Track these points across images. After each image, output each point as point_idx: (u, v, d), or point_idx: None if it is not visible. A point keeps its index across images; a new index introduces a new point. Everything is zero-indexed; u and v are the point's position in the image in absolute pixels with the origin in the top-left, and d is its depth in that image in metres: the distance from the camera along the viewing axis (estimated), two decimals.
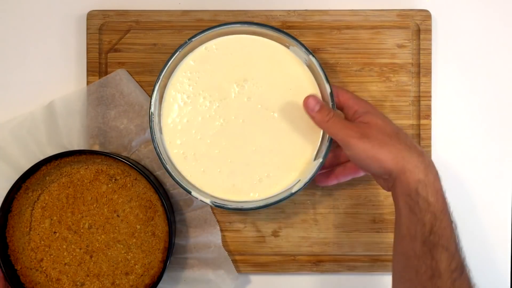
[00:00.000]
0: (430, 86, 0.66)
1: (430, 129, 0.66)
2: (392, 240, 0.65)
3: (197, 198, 0.57)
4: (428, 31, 0.66)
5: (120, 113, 0.65)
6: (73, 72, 0.67)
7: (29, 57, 0.67)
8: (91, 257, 0.62)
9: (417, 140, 0.66)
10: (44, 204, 0.62)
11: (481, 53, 0.68)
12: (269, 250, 0.66)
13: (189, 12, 0.66)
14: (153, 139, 0.57)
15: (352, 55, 0.66)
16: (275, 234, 0.66)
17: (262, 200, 0.58)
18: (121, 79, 0.65)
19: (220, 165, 0.58)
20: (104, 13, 0.66)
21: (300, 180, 0.57)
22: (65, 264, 0.62)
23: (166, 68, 0.57)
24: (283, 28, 0.66)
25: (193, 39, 0.57)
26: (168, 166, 0.57)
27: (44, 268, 0.62)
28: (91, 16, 0.66)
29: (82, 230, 0.62)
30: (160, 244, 0.62)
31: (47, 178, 0.62)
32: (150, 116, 0.57)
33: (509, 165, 0.67)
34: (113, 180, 0.62)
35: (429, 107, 0.66)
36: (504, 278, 0.67)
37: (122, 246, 0.62)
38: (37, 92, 0.67)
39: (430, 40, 0.66)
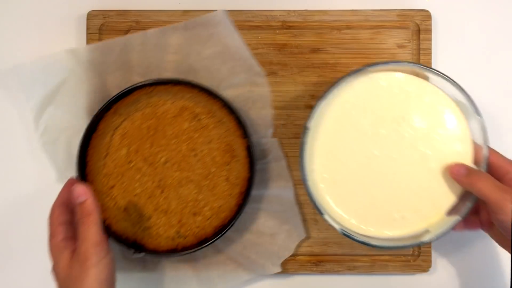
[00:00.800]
0: None
1: None
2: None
3: (327, 221, 0.56)
4: (428, 31, 0.66)
5: (215, 54, 0.64)
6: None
7: (29, 57, 0.67)
8: (162, 192, 0.62)
9: None
10: (125, 132, 0.62)
11: (481, 53, 0.68)
12: None
13: (189, 12, 0.66)
14: (301, 152, 0.56)
15: (352, 55, 0.66)
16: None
17: (389, 240, 0.57)
18: (220, 20, 0.64)
19: (361, 194, 0.57)
20: (104, 13, 0.66)
21: (429, 230, 0.56)
22: (135, 195, 0.62)
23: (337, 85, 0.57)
24: (283, 27, 0.66)
25: (374, 67, 0.57)
26: (308, 183, 0.56)
27: (114, 195, 0.61)
28: (91, 16, 0.66)
29: (157, 164, 0.62)
30: (232, 190, 0.62)
31: (134, 105, 0.62)
32: (305, 130, 0.56)
33: None
34: (197, 119, 0.62)
35: None
36: (504, 278, 0.67)
37: (194, 186, 0.62)
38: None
39: (430, 40, 0.66)
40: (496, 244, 0.66)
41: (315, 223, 0.66)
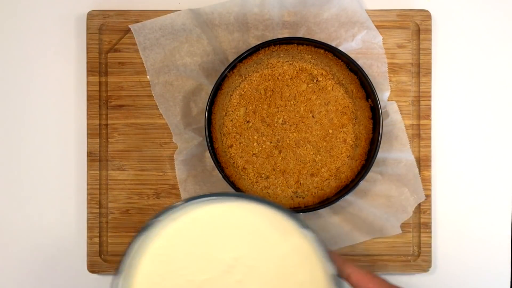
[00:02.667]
0: (430, 86, 0.66)
1: (430, 129, 0.66)
2: (392, 240, 0.66)
3: None
4: (428, 31, 0.66)
5: (332, 16, 0.64)
6: (73, 72, 0.67)
7: (29, 57, 0.67)
8: (280, 152, 0.62)
9: (417, 140, 0.66)
10: (243, 92, 0.62)
11: (481, 53, 0.68)
12: None
13: None
14: None
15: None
16: None
17: None
18: None
19: None
20: (104, 13, 0.66)
21: None
22: (253, 154, 0.62)
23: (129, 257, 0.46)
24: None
25: (160, 217, 0.47)
26: None
27: (232, 154, 0.62)
28: (91, 16, 0.66)
29: (275, 124, 0.62)
30: (351, 151, 0.62)
31: (254, 66, 0.62)
32: None
33: (509, 165, 0.67)
34: (314, 81, 0.62)
35: (429, 107, 0.66)
36: (504, 278, 0.67)
37: (311, 147, 0.62)
38: (37, 92, 0.67)
39: (430, 40, 0.66)
40: (496, 245, 0.66)
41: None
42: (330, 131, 0.62)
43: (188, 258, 0.48)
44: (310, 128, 0.62)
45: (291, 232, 0.47)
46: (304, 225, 0.46)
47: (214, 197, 0.48)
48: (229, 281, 0.47)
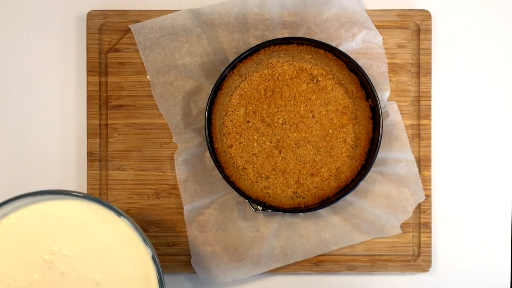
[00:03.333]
0: (430, 86, 0.66)
1: (430, 129, 0.66)
2: (392, 240, 0.66)
3: None
4: (428, 31, 0.66)
5: (332, 16, 0.64)
6: (73, 72, 0.67)
7: (29, 57, 0.67)
8: (280, 152, 0.62)
9: (417, 140, 0.66)
10: (243, 92, 0.62)
11: (481, 53, 0.68)
12: None
13: None
14: None
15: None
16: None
17: None
18: None
19: None
20: (104, 13, 0.66)
21: None
22: (253, 154, 0.62)
23: None
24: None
25: None
26: None
27: (232, 154, 0.62)
28: (91, 16, 0.66)
29: (275, 124, 0.62)
30: (351, 151, 0.62)
31: (254, 66, 0.62)
32: None
33: (509, 165, 0.67)
34: (314, 81, 0.62)
35: (429, 107, 0.66)
36: (504, 278, 0.67)
37: (311, 147, 0.62)
38: (37, 92, 0.67)
39: (430, 40, 0.66)
40: (496, 244, 0.66)
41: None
42: (330, 131, 0.62)
43: (12, 265, 0.49)
44: (310, 128, 0.62)
45: (112, 221, 0.50)
46: (122, 214, 0.50)
47: (26, 198, 0.48)
48: (54, 276, 0.49)
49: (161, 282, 0.49)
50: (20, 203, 0.49)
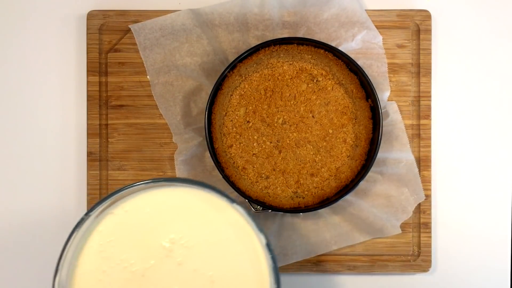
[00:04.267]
0: (430, 86, 0.66)
1: (430, 129, 0.66)
2: (392, 240, 0.66)
3: None
4: (428, 31, 0.66)
5: (332, 16, 0.64)
6: (73, 72, 0.67)
7: (29, 57, 0.67)
8: (280, 152, 0.62)
9: (417, 140, 0.66)
10: (243, 92, 0.62)
11: (481, 53, 0.68)
12: None
13: None
14: None
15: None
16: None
17: None
18: None
19: None
20: (104, 13, 0.66)
21: None
22: (253, 154, 0.62)
23: (64, 256, 0.48)
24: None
25: (91, 213, 0.48)
26: None
27: (232, 154, 0.62)
28: (91, 16, 0.66)
29: (275, 125, 0.62)
30: (351, 151, 0.62)
31: (254, 66, 0.62)
32: None
33: (509, 165, 0.67)
34: (314, 81, 0.62)
35: (429, 107, 0.66)
36: (504, 278, 0.67)
37: (311, 147, 0.62)
38: (37, 92, 0.67)
39: (430, 40, 0.66)
40: (496, 244, 0.66)
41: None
42: (330, 131, 0.62)
43: (129, 250, 0.49)
44: (310, 128, 0.62)
45: (224, 208, 0.49)
46: (234, 200, 0.49)
47: (143, 184, 0.49)
48: (170, 265, 0.49)
49: (275, 270, 0.47)
50: (132, 191, 0.49)
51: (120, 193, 0.48)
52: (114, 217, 0.50)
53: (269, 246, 0.48)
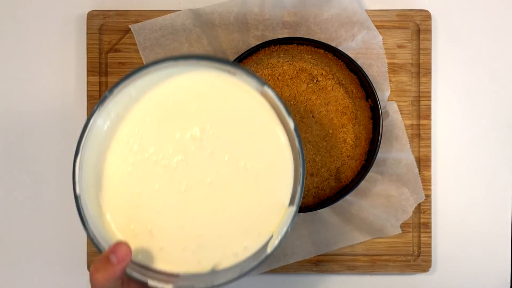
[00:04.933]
0: (430, 86, 0.66)
1: (430, 129, 0.66)
2: (392, 240, 0.66)
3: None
4: (428, 31, 0.66)
5: (332, 16, 0.64)
6: (73, 72, 0.67)
7: (29, 57, 0.67)
8: None
9: (417, 140, 0.66)
10: None
11: (481, 53, 0.68)
12: None
13: None
14: (83, 224, 0.45)
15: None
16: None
17: (234, 267, 0.47)
18: None
19: (185, 240, 0.47)
20: (104, 13, 0.66)
21: (272, 235, 0.48)
22: None
23: (84, 137, 0.45)
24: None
25: (114, 90, 0.45)
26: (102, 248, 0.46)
27: None
28: (91, 16, 0.66)
29: None
30: (351, 151, 0.62)
31: (254, 66, 0.62)
32: (76, 198, 0.45)
33: (509, 165, 0.67)
34: (314, 81, 0.62)
35: (429, 107, 0.66)
36: (504, 278, 0.67)
37: (311, 147, 0.62)
38: (37, 92, 0.67)
39: (430, 40, 0.66)
40: (496, 244, 0.66)
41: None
42: (330, 131, 0.62)
43: (157, 142, 0.47)
44: (310, 128, 0.62)
45: (251, 92, 0.48)
46: (265, 82, 0.47)
47: (171, 61, 0.46)
48: (202, 156, 0.47)
49: (302, 153, 0.47)
50: (156, 69, 0.47)
51: (143, 71, 0.45)
52: (140, 106, 0.47)
53: (296, 130, 0.47)
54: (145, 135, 0.47)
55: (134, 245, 0.46)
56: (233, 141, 0.48)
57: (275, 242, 0.46)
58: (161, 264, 0.48)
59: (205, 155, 0.47)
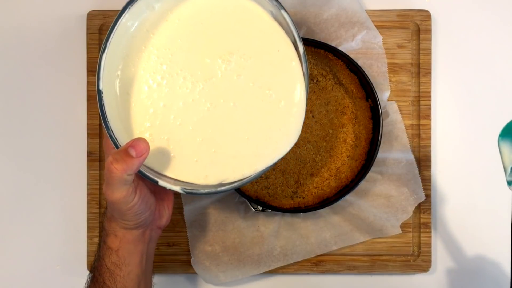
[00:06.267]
0: (430, 86, 0.66)
1: (430, 129, 0.66)
2: (392, 240, 0.66)
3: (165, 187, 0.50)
4: (428, 31, 0.66)
5: (332, 16, 0.64)
6: (73, 72, 0.67)
7: (29, 57, 0.67)
8: None
9: (417, 140, 0.66)
10: None
11: (481, 53, 0.68)
12: None
13: None
14: (104, 120, 0.48)
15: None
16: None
17: (238, 182, 0.51)
18: None
19: (199, 154, 0.51)
20: (104, 13, 0.66)
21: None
22: None
23: (113, 33, 0.48)
24: None
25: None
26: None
27: None
28: (91, 16, 0.66)
29: None
30: (351, 151, 0.62)
31: None
32: (99, 93, 0.48)
33: None
34: (315, 81, 0.62)
35: (429, 107, 0.66)
36: (504, 278, 0.67)
37: (311, 147, 0.62)
38: (37, 92, 0.67)
39: (430, 40, 0.66)
40: (496, 244, 0.66)
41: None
42: (330, 131, 0.62)
43: (187, 62, 0.50)
44: (310, 128, 0.62)
45: (267, 16, 0.51)
46: (282, 7, 0.50)
47: None
48: (229, 80, 0.50)
49: (307, 76, 0.51)
50: None
51: None
52: (168, 25, 0.50)
53: (305, 55, 0.50)
54: (175, 54, 0.50)
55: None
56: (259, 66, 0.51)
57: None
58: (170, 171, 0.51)
59: (232, 79, 0.51)
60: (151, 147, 0.49)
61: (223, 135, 0.51)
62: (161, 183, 0.49)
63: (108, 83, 0.49)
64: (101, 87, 0.47)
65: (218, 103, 0.51)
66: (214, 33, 0.50)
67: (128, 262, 0.52)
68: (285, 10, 0.50)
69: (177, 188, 0.49)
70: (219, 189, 0.51)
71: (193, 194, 0.50)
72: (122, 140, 0.49)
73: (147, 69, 0.50)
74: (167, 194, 0.55)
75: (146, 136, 0.50)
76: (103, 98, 0.47)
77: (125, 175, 0.46)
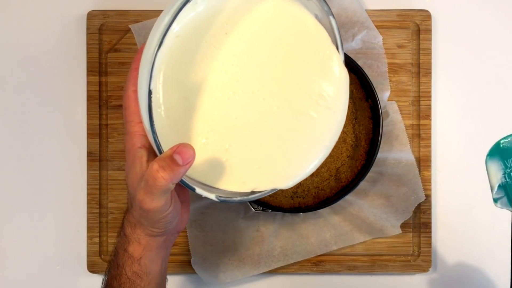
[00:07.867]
0: (430, 86, 0.66)
1: (430, 129, 0.66)
2: (392, 240, 0.66)
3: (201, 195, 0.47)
4: (428, 31, 0.66)
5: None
6: (73, 72, 0.67)
7: (29, 57, 0.67)
8: None
9: (417, 140, 0.66)
10: None
11: (481, 53, 0.68)
12: None
13: None
14: (150, 122, 0.44)
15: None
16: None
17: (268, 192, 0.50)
18: None
19: (252, 162, 0.50)
20: (104, 13, 0.66)
21: None
22: None
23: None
24: None
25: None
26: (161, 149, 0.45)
27: None
28: (91, 16, 0.66)
29: None
30: (351, 151, 0.62)
31: None
32: (149, 93, 0.43)
33: None
34: None
35: (429, 107, 0.66)
36: (504, 278, 0.67)
37: None
38: (37, 92, 0.67)
39: (430, 40, 0.66)
40: (496, 244, 0.66)
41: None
42: None
43: (253, 77, 0.49)
44: None
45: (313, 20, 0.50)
46: (331, 12, 0.49)
47: None
48: (288, 89, 0.50)
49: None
50: None
51: None
52: (233, 39, 0.49)
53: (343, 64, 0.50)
54: (243, 70, 0.49)
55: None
56: (309, 78, 0.50)
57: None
58: (213, 180, 0.49)
59: (290, 92, 0.50)
60: (205, 153, 0.47)
61: (273, 143, 0.50)
62: (198, 190, 0.46)
63: (156, 83, 0.47)
64: (151, 87, 0.44)
65: (276, 111, 0.50)
66: (273, 42, 0.50)
67: (149, 271, 0.49)
68: (333, 17, 0.49)
69: (212, 196, 0.47)
70: (250, 197, 0.49)
71: (226, 202, 0.48)
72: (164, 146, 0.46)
73: (214, 81, 0.48)
74: (185, 196, 0.53)
75: (202, 141, 0.48)
76: (152, 99, 0.43)
77: (170, 184, 0.43)
